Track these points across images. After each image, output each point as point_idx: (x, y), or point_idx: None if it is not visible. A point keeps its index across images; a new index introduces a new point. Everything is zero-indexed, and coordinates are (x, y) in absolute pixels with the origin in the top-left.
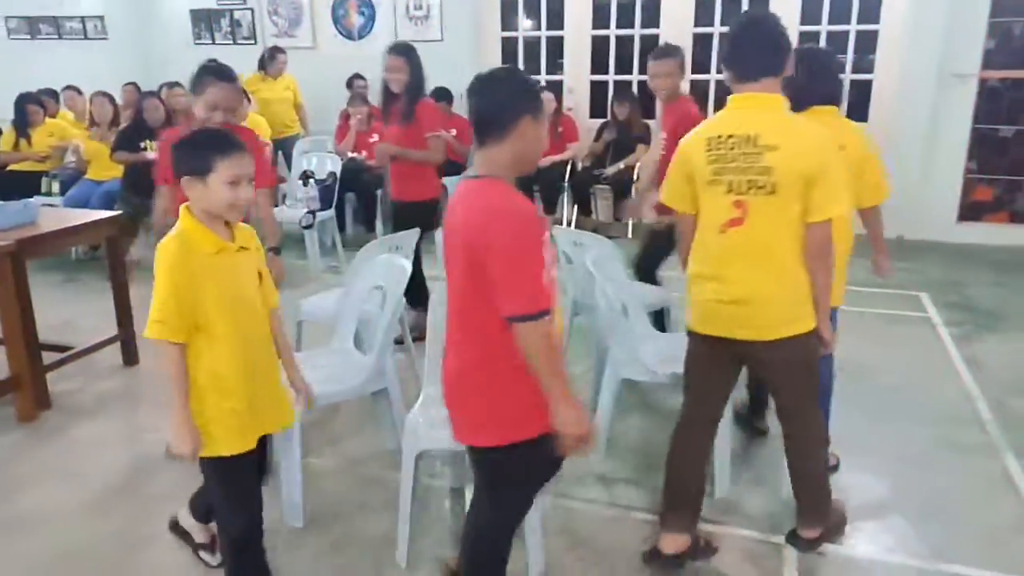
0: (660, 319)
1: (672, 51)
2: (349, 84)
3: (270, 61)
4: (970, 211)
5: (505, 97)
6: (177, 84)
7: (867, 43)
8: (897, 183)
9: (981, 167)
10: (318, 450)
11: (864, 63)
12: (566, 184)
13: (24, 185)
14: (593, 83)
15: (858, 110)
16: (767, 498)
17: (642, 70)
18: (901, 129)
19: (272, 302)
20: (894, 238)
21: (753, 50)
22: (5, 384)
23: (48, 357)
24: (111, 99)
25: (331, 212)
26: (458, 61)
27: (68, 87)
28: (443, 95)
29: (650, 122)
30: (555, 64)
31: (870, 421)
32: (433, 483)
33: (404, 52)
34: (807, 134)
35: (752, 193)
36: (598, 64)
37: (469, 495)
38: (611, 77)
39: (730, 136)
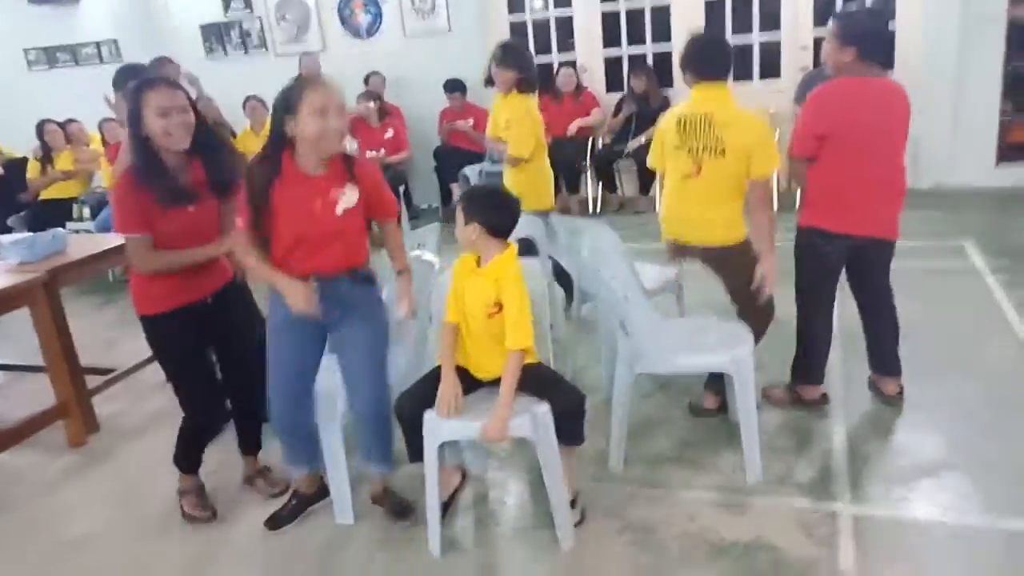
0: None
1: None
2: (366, 80)
3: None
4: (1008, 153)
5: None
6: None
7: None
8: (928, 130)
9: (1017, 107)
10: None
11: (885, 9)
12: (588, 162)
13: (57, 213)
14: (607, 58)
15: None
16: (817, 466)
17: (655, 38)
18: (928, 75)
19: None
20: (930, 187)
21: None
22: (53, 412)
23: (92, 380)
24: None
25: None
26: (467, 50)
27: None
28: (456, 86)
29: (669, 91)
30: (566, 43)
31: (921, 379)
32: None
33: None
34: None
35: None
36: (610, 38)
37: (491, 481)
38: (624, 51)
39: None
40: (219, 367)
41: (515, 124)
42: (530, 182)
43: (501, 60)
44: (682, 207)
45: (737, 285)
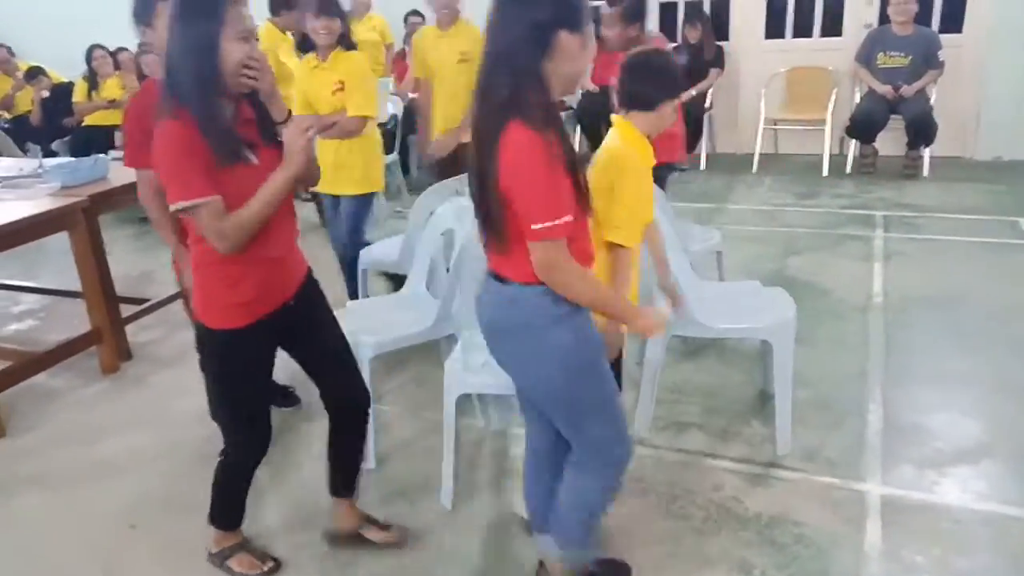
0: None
1: None
2: (404, 20)
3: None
4: None
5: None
6: None
7: None
8: (991, 100)
9: None
10: (389, 396)
11: None
12: None
13: (101, 139)
14: (661, 5)
15: (953, 21)
16: (848, 443)
17: None
18: (997, 39)
19: None
20: (991, 159)
21: None
22: (87, 337)
23: (127, 309)
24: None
25: (395, 156)
26: None
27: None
28: None
29: (723, 44)
30: None
31: (963, 355)
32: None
33: None
34: None
35: None
36: None
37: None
38: None
39: None
40: (309, 372)
41: (358, 83)
42: (368, 158)
43: (321, 7)
44: None
45: None
